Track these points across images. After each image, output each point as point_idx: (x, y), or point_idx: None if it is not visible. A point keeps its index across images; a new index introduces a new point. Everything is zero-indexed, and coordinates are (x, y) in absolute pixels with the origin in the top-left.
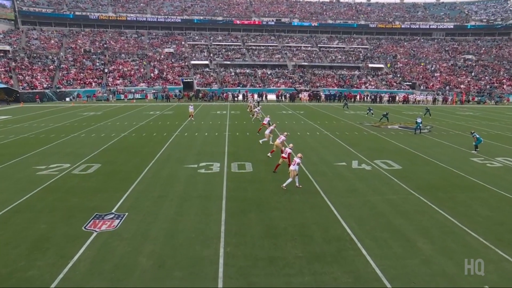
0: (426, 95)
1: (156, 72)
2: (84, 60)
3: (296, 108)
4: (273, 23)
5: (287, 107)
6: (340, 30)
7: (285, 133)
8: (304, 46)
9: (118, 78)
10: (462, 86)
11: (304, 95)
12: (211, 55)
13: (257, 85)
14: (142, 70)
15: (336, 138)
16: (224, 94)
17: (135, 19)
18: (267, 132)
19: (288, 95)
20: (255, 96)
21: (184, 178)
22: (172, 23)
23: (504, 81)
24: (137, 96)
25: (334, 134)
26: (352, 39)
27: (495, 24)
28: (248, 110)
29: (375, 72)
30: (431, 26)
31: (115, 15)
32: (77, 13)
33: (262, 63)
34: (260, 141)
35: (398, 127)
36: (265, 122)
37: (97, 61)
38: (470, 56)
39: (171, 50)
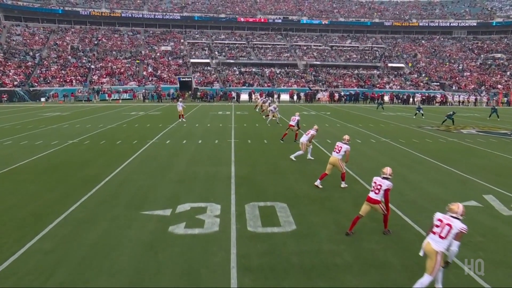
0: (469, 96)
1: (150, 70)
2: (69, 57)
3: (318, 108)
4: (280, 21)
5: (307, 108)
6: (353, 28)
7: (315, 127)
8: (314, 45)
9: (104, 76)
10: (499, 86)
11: (323, 95)
12: (213, 53)
13: (266, 85)
14: (133, 67)
15: (410, 150)
16: (228, 94)
17: (130, 15)
18: (304, 139)
19: (304, 95)
20: (264, 95)
21: (128, 264)
22: (170, 20)
23: None
24: (124, 96)
25: (398, 142)
26: (365, 38)
27: None
28: (256, 109)
29: (397, 72)
30: (451, 24)
31: (108, 11)
32: (66, 8)
33: (269, 61)
34: (292, 156)
35: (476, 131)
36: (292, 123)
37: (84, 58)
38: (499, 55)
39: (168, 48)
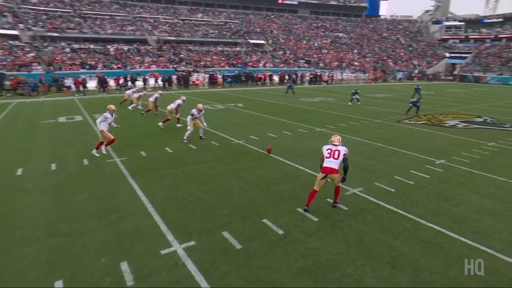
0: (355, 72)
1: None
2: None
3: (211, 97)
4: None
5: (192, 96)
6: (202, 1)
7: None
8: (164, 18)
9: None
10: (355, 63)
11: (203, 78)
12: (23, 22)
13: (115, 66)
14: None
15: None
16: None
17: None
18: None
19: (176, 78)
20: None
21: None
22: None
23: (385, 58)
24: None
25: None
26: (217, 13)
27: (350, 4)
28: (130, 107)
29: (261, 49)
30: (300, 2)
31: None
32: None
33: (111, 36)
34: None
35: (460, 121)
36: (173, 105)
37: None
38: (341, 34)
39: None
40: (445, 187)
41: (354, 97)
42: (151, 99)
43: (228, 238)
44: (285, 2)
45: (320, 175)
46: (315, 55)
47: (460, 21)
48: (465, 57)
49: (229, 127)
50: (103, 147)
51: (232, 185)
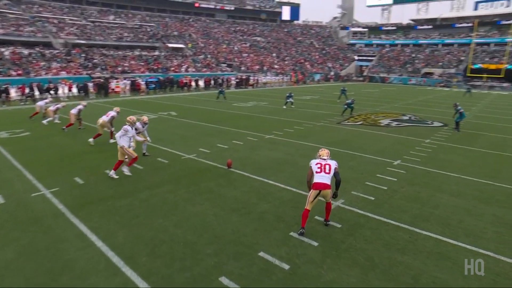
0: (277, 75)
1: None
2: None
3: (137, 105)
4: None
5: (115, 105)
6: (113, 2)
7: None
8: (70, 20)
9: None
10: (276, 66)
11: (124, 84)
12: None
13: (14, 73)
14: None
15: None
16: None
17: None
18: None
19: (93, 86)
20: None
21: None
22: None
23: (303, 61)
24: None
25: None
26: (130, 15)
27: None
28: (45, 121)
29: (181, 53)
30: (216, 7)
31: None
32: None
33: (4, 37)
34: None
35: (392, 120)
36: (105, 118)
37: None
38: (259, 38)
39: None
40: (415, 189)
41: (288, 100)
42: (74, 111)
43: (229, 285)
44: (202, 5)
45: (312, 193)
46: (236, 59)
47: (363, 27)
48: (371, 60)
49: (171, 139)
50: (125, 168)
51: (205, 212)
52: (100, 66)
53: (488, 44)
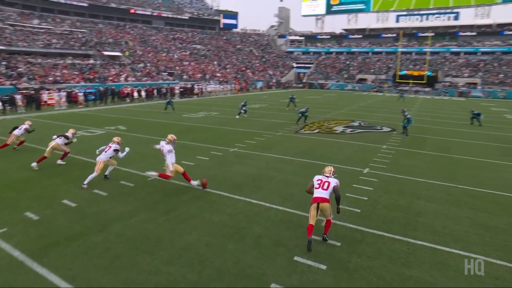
0: (221, 84)
1: None
2: None
3: (78, 119)
4: None
5: (51, 119)
6: (37, 5)
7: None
8: None
9: None
10: (218, 74)
11: (58, 96)
12: None
13: None
14: None
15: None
16: None
17: None
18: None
19: (19, 98)
20: None
21: None
22: None
23: (244, 69)
24: None
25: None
26: (58, 20)
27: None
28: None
29: (118, 61)
30: (152, 14)
31: None
32: None
33: None
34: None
35: (345, 127)
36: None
37: None
38: (199, 46)
39: None
40: (393, 197)
41: (243, 109)
42: (17, 132)
43: None
44: (138, 12)
45: (311, 207)
46: (177, 67)
47: (300, 36)
48: (309, 67)
49: (128, 158)
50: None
51: (196, 243)
52: (27, 76)
53: (410, 53)
